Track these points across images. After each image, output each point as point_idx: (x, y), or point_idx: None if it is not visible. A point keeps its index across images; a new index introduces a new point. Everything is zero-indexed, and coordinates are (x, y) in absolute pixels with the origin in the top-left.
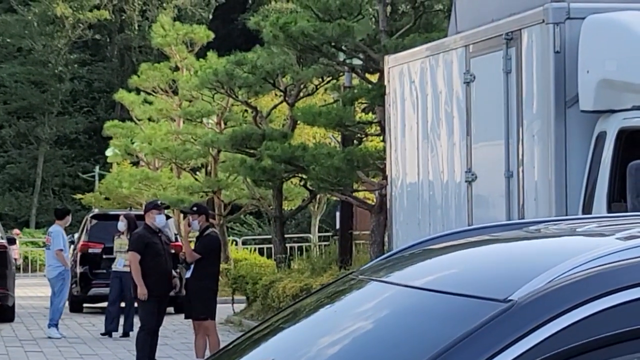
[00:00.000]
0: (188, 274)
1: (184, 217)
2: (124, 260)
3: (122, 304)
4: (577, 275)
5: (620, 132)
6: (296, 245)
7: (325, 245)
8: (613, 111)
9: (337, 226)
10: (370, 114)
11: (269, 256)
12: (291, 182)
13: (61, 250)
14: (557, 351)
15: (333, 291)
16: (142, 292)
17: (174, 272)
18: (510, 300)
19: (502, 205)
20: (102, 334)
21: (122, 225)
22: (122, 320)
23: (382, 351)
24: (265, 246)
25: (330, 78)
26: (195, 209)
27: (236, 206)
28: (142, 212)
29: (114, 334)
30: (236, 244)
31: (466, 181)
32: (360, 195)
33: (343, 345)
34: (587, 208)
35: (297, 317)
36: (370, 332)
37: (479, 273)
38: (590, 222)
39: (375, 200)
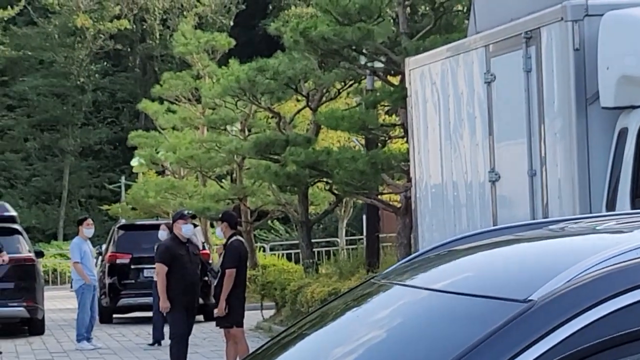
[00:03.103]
0: (215, 282)
1: (212, 226)
2: None
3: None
4: (596, 273)
5: None
6: (324, 249)
7: (352, 249)
8: (634, 107)
9: (364, 229)
10: (393, 117)
11: (297, 261)
12: (317, 186)
13: (77, 262)
14: (578, 349)
15: (355, 296)
16: (164, 305)
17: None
18: (530, 300)
19: (526, 204)
20: (150, 344)
21: (163, 234)
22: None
23: (404, 355)
24: (293, 251)
25: (352, 82)
26: (220, 215)
27: (263, 212)
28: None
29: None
30: (264, 250)
31: (490, 181)
32: (386, 197)
33: (366, 349)
34: (611, 205)
35: (320, 322)
36: (392, 336)
37: (499, 274)
38: (610, 219)
39: (400, 202)
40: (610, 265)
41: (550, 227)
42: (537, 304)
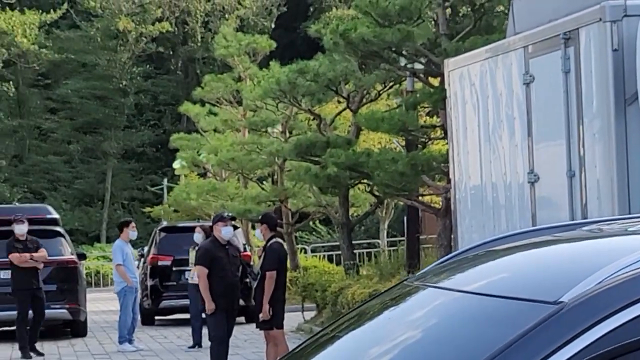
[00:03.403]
0: (255, 284)
1: (253, 227)
2: None
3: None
4: (626, 275)
5: None
6: (365, 251)
7: (393, 250)
8: None
9: (405, 231)
10: (434, 118)
11: (338, 263)
12: (357, 188)
13: (119, 265)
14: (608, 351)
15: (388, 298)
16: (209, 307)
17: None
18: (561, 302)
19: (565, 205)
20: (190, 347)
21: (198, 237)
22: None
23: (434, 356)
24: (334, 253)
25: (393, 83)
26: (260, 217)
27: (304, 214)
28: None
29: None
30: (305, 252)
31: (529, 182)
32: (427, 199)
33: (399, 350)
34: None
35: (354, 324)
36: (423, 338)
37: (530, 276)
38: None
39: (441, 204)
40: None
41: (585, 228)
42: (568, 306)
